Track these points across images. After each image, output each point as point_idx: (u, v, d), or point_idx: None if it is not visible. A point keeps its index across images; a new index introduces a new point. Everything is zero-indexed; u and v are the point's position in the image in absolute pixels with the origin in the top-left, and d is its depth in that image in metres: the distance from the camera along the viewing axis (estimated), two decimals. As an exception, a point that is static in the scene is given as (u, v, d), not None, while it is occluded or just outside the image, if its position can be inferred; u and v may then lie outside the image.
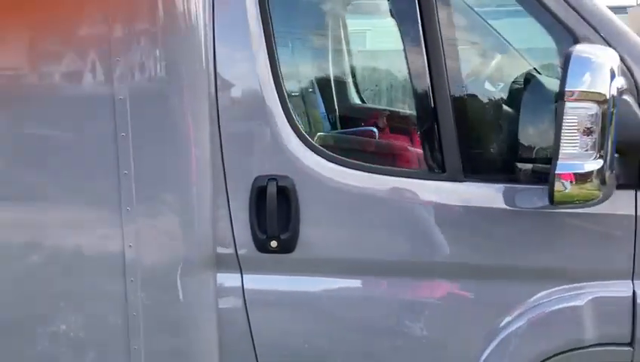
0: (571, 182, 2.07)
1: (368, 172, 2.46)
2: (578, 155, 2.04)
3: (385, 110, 2.61)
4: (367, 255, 2.49)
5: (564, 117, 2.03)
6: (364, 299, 2.53)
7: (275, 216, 2.44)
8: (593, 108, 2.02)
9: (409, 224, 2.47)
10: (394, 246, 2.48)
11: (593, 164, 2.04)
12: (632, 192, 2.37)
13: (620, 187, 2.34)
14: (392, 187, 2.45)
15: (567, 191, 2.08)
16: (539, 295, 2.42)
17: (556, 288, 2.42)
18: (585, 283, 2.41)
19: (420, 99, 2.40)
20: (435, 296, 2.50)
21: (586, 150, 2.05)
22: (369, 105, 2.54)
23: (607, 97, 2.03)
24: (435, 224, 2.45)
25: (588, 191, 2.09)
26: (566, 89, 2.02)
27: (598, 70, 2.04)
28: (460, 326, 2.50)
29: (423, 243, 2.47)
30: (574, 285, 2.41)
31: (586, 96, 2.02)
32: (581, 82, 2.03)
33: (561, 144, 2.04)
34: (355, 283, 2.53)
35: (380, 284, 2.53)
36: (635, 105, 2.31)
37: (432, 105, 2.38)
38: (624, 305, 2.37)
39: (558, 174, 2.06)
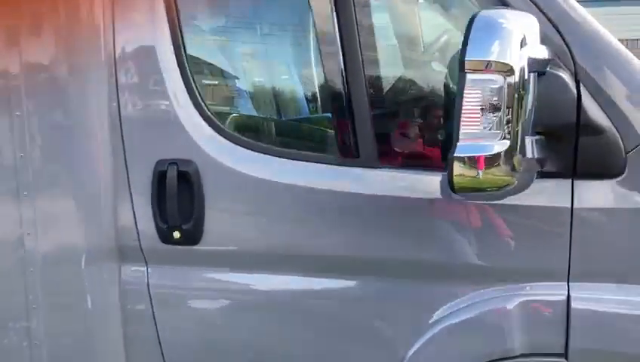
0: (474, 166, 1.80)
1: (279, 156, 2.24)
2: (480, 135, 1.77)
3: (300, 92, 2.38)
4: (277, 249, 2.27)
5: (464, 91, 1.76)
6: (271, 295, 2.31)
7: (175, 204, 2.25)
8: (498, 80, 1.75)
9: (320, 214, 2.24)
10: (305, 239, 2.26)
11: (498, 146, 1.77)
12: (567, 182, 2.07)
13: (553, 176, 2.07)
14: (303, 173, 2.22)
15: (472, 176, 1.81)
16: (463, 296, 2.15)
17: (483, 289, 2.15)
18: (515, 285, 2.13)
19: (333, 79, 2.16)
20: (350, 294, 2.26)
21: (490, 129, 1.77)
22: (283, 88, 2.32)
23: (515, 68, 1.75)
24: (348, 214, 2.21)
25: (496, 176, 1.82)
26: (466, 59, 1.75)
27: (507, 37, 1.76)
28: (376, 328, 2.26)
29: (335, 235, 2.23)
30: (503, 286, 2.13)
31: (488, 67, 1.75)
32: (485, 51, 1.76)
33: (462, 122, 1.77)
34: (263, 278, 2.31)
35: (290, 281, 2.30)
36: (569, 82, 2.01)
37: (346, 86, 2.13)
38: (557, 310, 2.08)
39: (457, 157, 1.79)
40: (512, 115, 1.76)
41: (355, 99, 2.13)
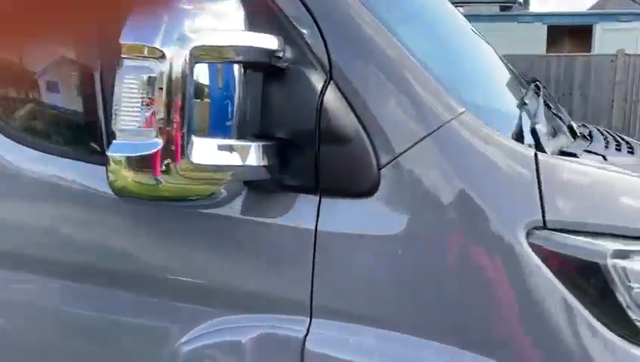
0: (144, 169, 1.54)
1: (40, 151, 2.07)
2: (136, 132, 1.51)
3: (71, 89, 2.19)
4: (30, 248, 2.10)
5: (118, 78, 1.51)
6: (30, 296, 2.14)
7: None
8: (154, 68, 1.48)
9: (70, 216, 2.04)
10: (57, 243, 2.07)
11: (147, 145, 1.50)
12: (315, 199, 1.74)
13: (300, 190, 1.75)
14: (57, 168, 2.03)
15: (140, 181, 1.55)
16: (202, 324, 1.87)
17: (228, 316, 1.85)
18: (259, 314, 1.82)
19: (92, 74, 1.94)
20: (101, 304, 2.04)
21: (149, 125, 1.50)
22: (60, 84, 2.14)
23: (169, 54, 1.47)
24: (92, 217, 2.00)
25: (171, 184, 1.54)
26: (121, 40, 1.50)
27: (173, 18, 1.49)
28: (124, 344, 2.01)
29: (80, 240, 2.03)
30: (243, 315, 1.83)
31: (143, 52, 1.48)
32: (144, 33, 1.50)
33: (117, 115, 1.52)
34: (24, 278, 2.15)
35: (49, 284, 2.11)
36: (314, 79, 1.68)
37: (100, 81, 1.92)
38: (291, 349, 1.75)
39: (113, 157, 1.54)
40: (168, 109, 1.48)
41: (106, 94, 1.91)
